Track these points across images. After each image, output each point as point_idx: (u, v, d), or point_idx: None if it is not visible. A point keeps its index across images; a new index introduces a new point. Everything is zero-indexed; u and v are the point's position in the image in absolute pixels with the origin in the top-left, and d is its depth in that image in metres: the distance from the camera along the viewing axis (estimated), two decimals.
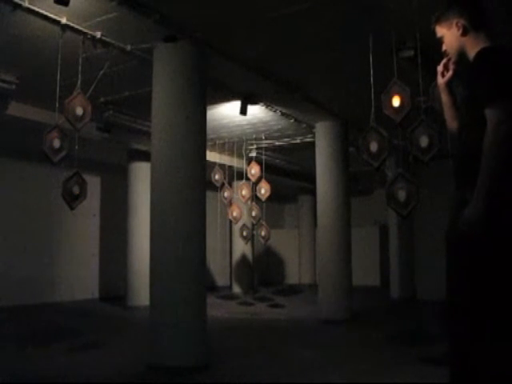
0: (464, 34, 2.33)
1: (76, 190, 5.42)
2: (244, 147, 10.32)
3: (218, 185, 10.16)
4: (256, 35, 5.28)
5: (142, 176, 9.63)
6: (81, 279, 11.15)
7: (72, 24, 4.96)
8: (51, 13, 4.75)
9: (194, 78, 5.19)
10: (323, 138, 8.35)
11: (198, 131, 5.20)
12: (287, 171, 13.17)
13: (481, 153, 2.07)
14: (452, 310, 2.16)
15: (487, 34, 2.33)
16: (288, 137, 9.80)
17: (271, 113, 8.15)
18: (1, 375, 4.55)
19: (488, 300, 2.03)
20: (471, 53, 2.32)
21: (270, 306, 10.34)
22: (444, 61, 2.47)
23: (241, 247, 12.99)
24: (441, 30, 2.42)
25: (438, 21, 2.42)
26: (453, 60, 2.42)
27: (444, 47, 2.44)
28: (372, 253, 14.38)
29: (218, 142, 10.01)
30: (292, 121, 8.55)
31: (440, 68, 2.49)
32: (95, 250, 11.68)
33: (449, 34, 2.38)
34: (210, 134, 7.24)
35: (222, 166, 10.38)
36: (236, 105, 7.33)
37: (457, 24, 2.33)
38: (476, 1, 2.41)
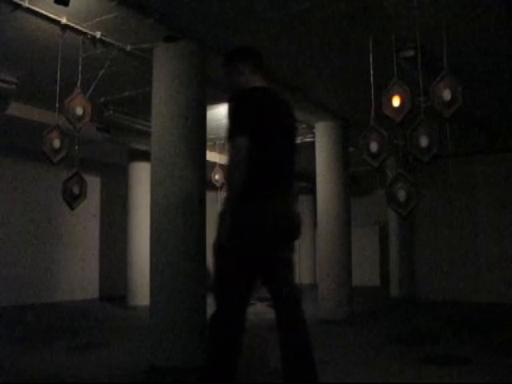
0: (242, 74, 2.94)
1: (76, 189, 5.42)
2: None
3: (218, 185, 10.15)
4: (256, 35, 5.27)
5: (142, 176, 9.63)
6: (81, 279, 11.15)
7: (72, 24, 4.96)
8: (51, 13, 4.74)
9: (194, 78, 5.18)
10: (323, 138, 8.34)
11: (197, 131, 5.20)
12: None
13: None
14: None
15: (261, 77, 2.95)
16: None
17: None
18: (1, 375, 4.56)
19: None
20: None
21: (270, 305, 10.31)
22: None
23: None
24: (227, 68, 3.01)
25: (226, 63, 3.02)
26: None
27: (228, 84, 3.04)
28: (372, 253, 14.37)
29: (218, 142, 10.00)
30: None
31: None
32: (95, 250, 11.68)
33: (233, 74, 2.98)
34: (209, 134, 7.22)
35: (222, 166, 10.37)
36: None
37: (238, 67, 2.95)
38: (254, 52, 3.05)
